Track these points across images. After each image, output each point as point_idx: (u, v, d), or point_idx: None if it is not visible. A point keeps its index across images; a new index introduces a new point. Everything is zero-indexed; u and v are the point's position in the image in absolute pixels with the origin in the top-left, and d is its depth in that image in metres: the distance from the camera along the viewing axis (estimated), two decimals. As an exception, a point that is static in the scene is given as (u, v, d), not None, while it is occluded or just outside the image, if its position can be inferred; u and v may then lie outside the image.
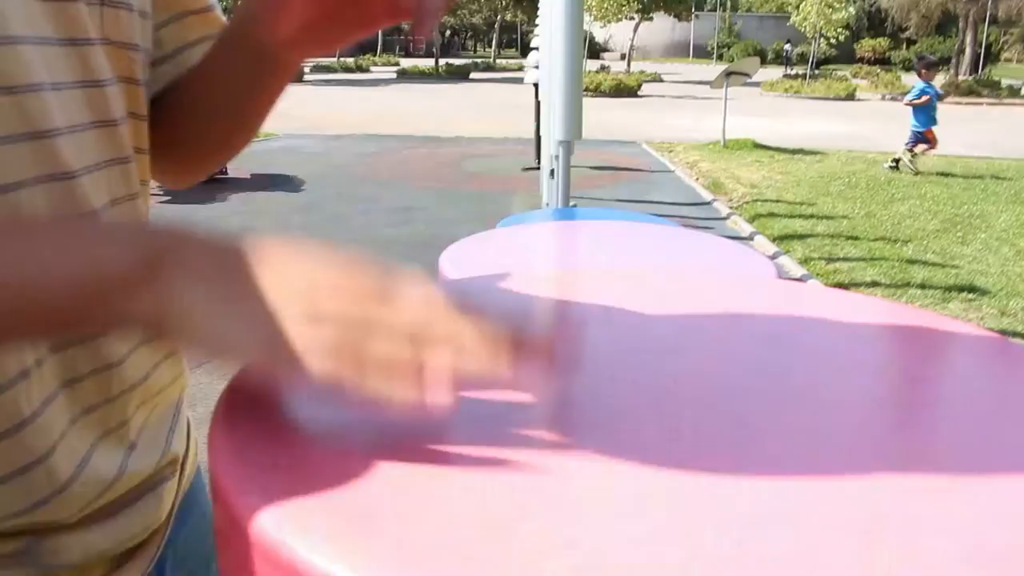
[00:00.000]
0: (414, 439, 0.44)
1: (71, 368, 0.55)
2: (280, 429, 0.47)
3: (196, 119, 0.70)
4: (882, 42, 47.04)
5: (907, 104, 9.52)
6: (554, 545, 0.35)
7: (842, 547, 0.36)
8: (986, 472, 0.44)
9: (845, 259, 5.30)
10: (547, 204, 4.81)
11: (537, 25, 6.23)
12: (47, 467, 0.54)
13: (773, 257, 5.38)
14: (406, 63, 35.51)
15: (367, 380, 0.39)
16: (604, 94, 21.67)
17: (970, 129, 14.98)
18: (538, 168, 7.58)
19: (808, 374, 0.57)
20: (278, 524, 0.36)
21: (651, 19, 33.06)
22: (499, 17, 44.29)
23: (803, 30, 28.38)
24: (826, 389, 0.55)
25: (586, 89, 20.77)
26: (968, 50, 30.35)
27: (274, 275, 0.41)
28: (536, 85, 7.17)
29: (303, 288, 0.41)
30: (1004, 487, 0.42)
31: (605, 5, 29.37)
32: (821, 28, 26.76)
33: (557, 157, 4.14)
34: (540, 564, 0.34)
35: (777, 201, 7.17)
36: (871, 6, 46.60)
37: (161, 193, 7.22)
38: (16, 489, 0.53)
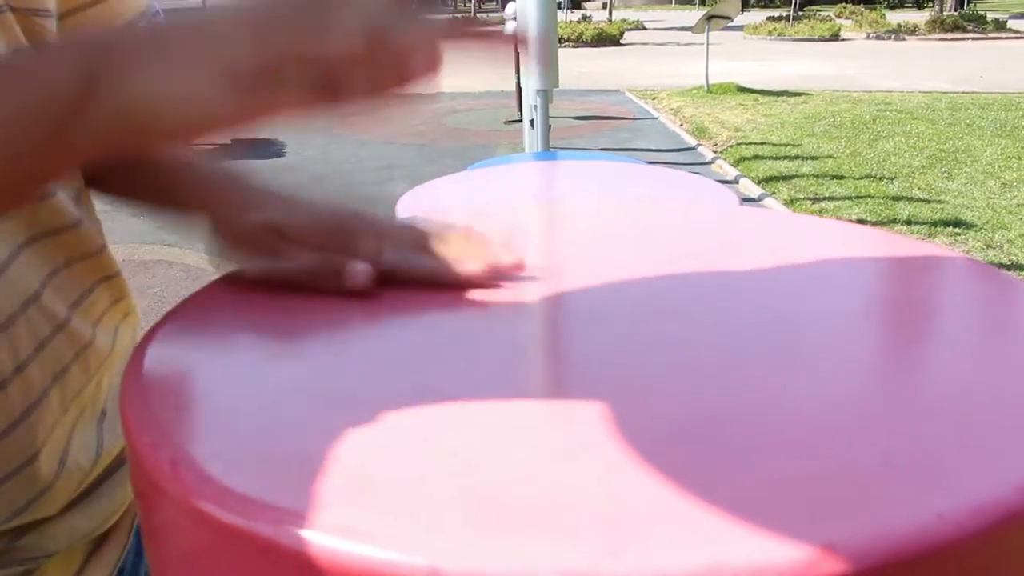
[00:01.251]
0: (329, 383, 0.43)
1: (59, 360, 0.55)
2: (192, 387, 0.45)
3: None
4: (866, -20, 46.49)
5: None
6: (450, 468, 0.33)
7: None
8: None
9: (831, 198, 5.27)
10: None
11: (512, -27, 6.11)
12: (33, 469, 0.53)
13: (759, 199, 5.35)
14: (385, 21, 34.87)
15: (348, 77, 0.37)
16: (586, 44, 21.40)
17: (955, 65, 14.87)
18: (521, 121, 7.51)
19: (756, 297, 0.55)
20: (198, 483, 0.33)
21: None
22: (477, -30, 43.55)
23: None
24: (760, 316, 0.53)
25: (568, 39, 20.56)
26: (952, -15, 30.01)
27: (205, 23, 0.39)
28: (514, 35, 7.06)
29: (237, 23, 0.38)
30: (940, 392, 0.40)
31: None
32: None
33: (535, 107, 4.09)
34: (429, 483, 0.32)
35: (762, 143, 7.11)
36: (854, -56, 45.97)
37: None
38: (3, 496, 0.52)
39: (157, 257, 4.48)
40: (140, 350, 0.46)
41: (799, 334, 0.48)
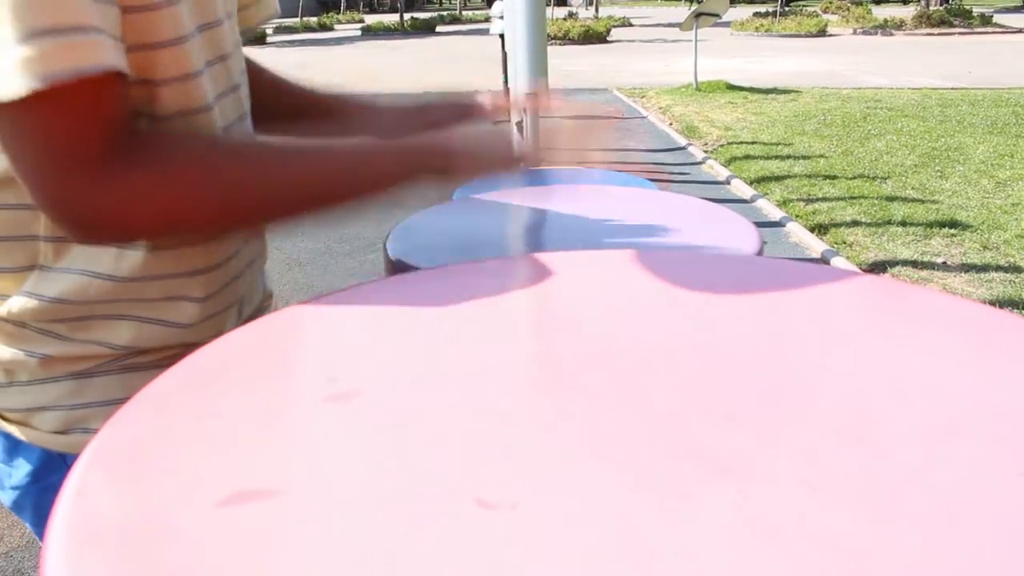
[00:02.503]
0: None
1: (258, 253, 0.90)
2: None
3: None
4: (851, -25, 46.51)
5: None
6: None
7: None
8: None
9: (824, 199, 5.20)
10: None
11: (499, -28, 6.02)
12: (235, 309, 0.85)
13: (751, 200, 5.28)
14: (370, 19, 34.79)
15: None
16: (573, 41, 21.32)
17: (943, 60, 14.86)
18: (508, 120, 7.41)
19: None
20: None
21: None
22: (463, -33, 43.36)
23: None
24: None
25: (554, 37, 20.46)
26: (938, -21, 30.03)
27: (481, 134, 0.91)
28: (502, 36, 6.98)
29: (490, 132, 0.91)
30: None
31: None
32: (790, -36, 26.37)
33: (524, 110, 3.99)
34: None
35: (753, 143, 7.04)
36: (839, -61, 46.01)
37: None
38: (218, 321, 0.81)
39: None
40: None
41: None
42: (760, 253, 0.95)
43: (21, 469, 0.77)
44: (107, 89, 0.63)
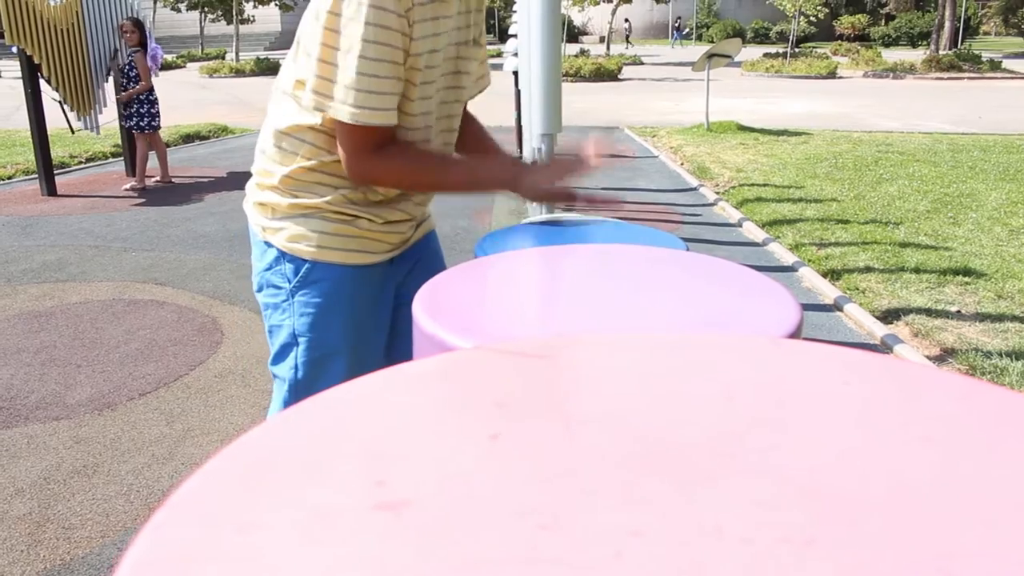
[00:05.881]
0: None
1: (425, 200, 1.65)
2: None
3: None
4: (861, 18, 46.78)
5: None
6: None
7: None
8: None
9: (836, 244, 5.18)
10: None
11: (515, 11, 6.06)
12: (414, 221, 1.63)
13: (763, 244, 5.26)
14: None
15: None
16: (584, 79, 21.47)
17: (954, 104, 14.91)
18: (521, 157, 7.43)
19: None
20: None
21: (630, 1, 32.73)
22: (476, 3, 43.72)
23: (783, 8, 28.21)
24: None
25: (566, 74, 20.60)
26: (947, 24, 30.15)
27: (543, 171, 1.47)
28: (516, 73, 7.01)
29: (551, 169, 1.46)
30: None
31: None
32: (800, 6, 26.61)
33: (539, 149, 4.00)
34: None
35: (764, 185, 7.04)
36: (849, -18, 46.52)
37: (135, 196, 7.06)
38: (401, 229, 1.59)
39: (148, 297, 4.36)
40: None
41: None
42: (800, 328, 0.93)
43: (268, 260, 1.53)
44: (386, 131, 1.39)
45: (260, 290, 1.56)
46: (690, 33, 41.46)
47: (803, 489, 0.45)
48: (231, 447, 0.48)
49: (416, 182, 1.49)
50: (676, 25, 43.87)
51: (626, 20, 38.39)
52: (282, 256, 1.49)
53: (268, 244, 1.52)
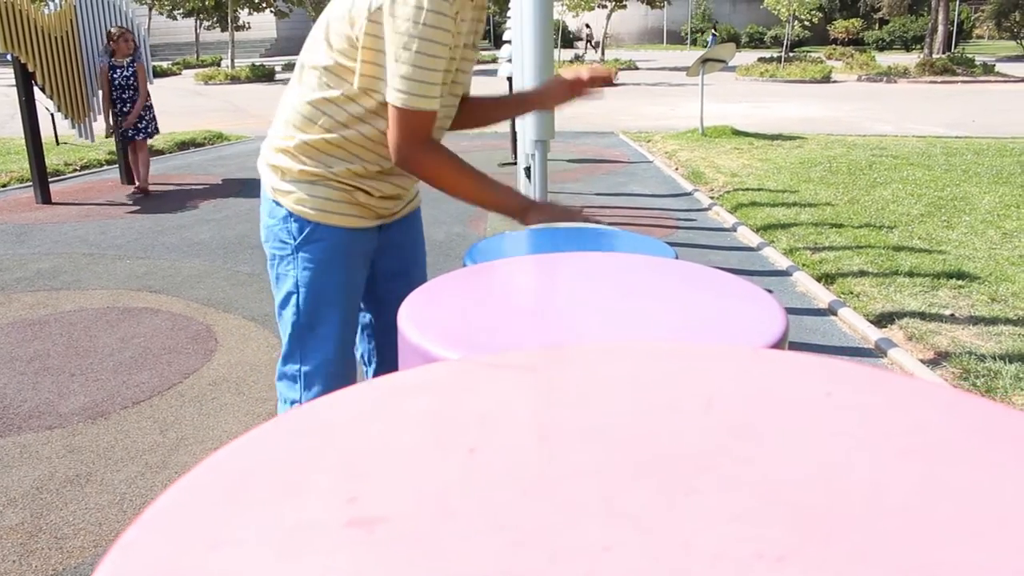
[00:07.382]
0: None
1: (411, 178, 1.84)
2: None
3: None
4: (855, 22, 46.90)
5: None
6: None
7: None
8: None
9: (831, 248, 5.19)
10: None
11: (509, 18, 6.08)
12: (404, 199, 1.90)
13: (757, 248, 5.27)
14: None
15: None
16: (580, 84, 21.46)
17: (947, 108, 14.96)
18: (515, 163, 7.44)
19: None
20: None
21: (624, 7, 32.76)
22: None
23: (776, 12, 28.28)
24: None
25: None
26: (940, 28, 30.23)
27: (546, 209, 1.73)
28: (510, 79, 7.02)
29: (556, 211, 1.73)
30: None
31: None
32: (795, 10, 26.66)
33: (533, 156, 4.01)
34: None
35: (759, 189, 7.05)
36: (843, -13, 46.62)
37: (130, 203, 7.06)
38: (392, 203, 1.86)
39: (142, 304, 4.35)
40: None
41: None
42: (785, 337, 0.93)
43: (276, 217, 1.76)
44: (430, 116, 1.60)
45: (267, 241, 1.81)
46: (715, 37, 41.45)
47: (781, 503, 0.45)
48: (205, 463, 0.48)
49: (448, 183, 1.69)
50: (712, 31, 43.48)
51: (587, 25, 37.96)
52: (289, 216, 1.74)
53: (277, 203, 1.76)
